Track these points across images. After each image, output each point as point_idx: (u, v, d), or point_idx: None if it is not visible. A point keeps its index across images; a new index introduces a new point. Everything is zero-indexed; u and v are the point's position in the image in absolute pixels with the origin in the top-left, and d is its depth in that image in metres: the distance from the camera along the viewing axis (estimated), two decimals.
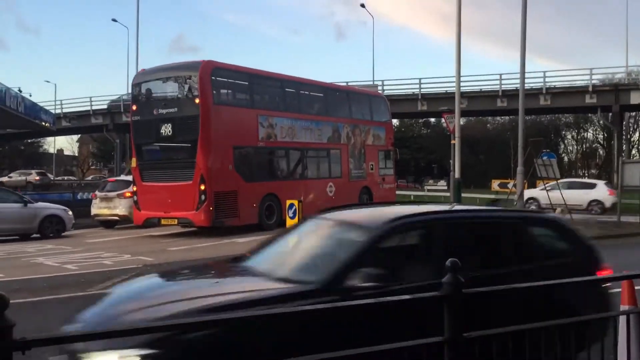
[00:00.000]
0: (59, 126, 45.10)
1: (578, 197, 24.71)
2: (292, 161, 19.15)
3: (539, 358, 3.12)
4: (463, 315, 2.78)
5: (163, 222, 16.85)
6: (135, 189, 17.28)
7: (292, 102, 19.65)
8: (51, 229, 17.69)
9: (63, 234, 17.92)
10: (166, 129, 16.58)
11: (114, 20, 46.52)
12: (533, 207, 25.33)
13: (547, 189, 21.81)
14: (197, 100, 15.93)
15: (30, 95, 30.56)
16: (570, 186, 25.79)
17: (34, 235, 17.63)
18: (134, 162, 17.51)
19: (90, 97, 53.15)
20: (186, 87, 16.80)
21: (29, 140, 74.37)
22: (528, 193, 25.21)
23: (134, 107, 17.58)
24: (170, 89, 17.34)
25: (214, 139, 16.05)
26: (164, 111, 16.66)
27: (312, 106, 20.72)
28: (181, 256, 12.62)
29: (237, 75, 18.01)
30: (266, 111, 18.23)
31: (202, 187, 15.71)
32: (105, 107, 52.37)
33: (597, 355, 3.35)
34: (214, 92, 16.52)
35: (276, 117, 18.38)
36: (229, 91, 18.20)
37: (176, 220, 16.55)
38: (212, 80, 16.40)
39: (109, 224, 20.25)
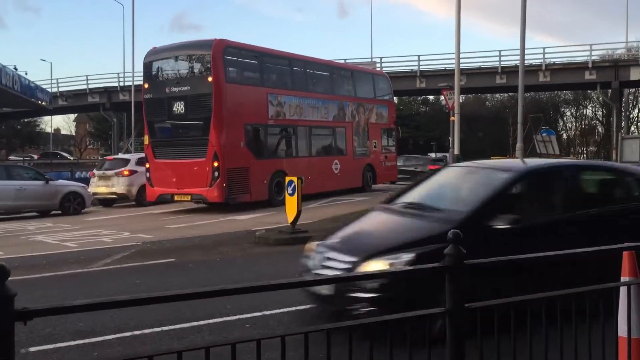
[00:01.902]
0: (55, 105, 44.88)
1: None
2: (300, 139, 19.32)
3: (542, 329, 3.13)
4: (465, 286, 2.78)
5: (176, 198, 16.98)
6: (148, 165, 17.41)
7: (300, 81, 19.83)
8: (72, 205, 17.97)
9: (83, 210, 18.29)
10: (179, 107, 16.70)
11: None
12: None
13: None
14: (210, 79, 16.03)
15: (26, 74, 30.24)
16: None
17: (55, 212, 17.94)
18: (146, 140, 17.66)
19: (87, 76, 52.88)
20: (199, 65, 16.90)
21: (26, 120, 74.00)
22: None
23: (146, 85, 17.67)
24: (183, 67, 17.39)
25: (226, 117, 16.19)
26: (177, 89, 16.78)
27: (318, 85, 20.88)
28: (180, 233, 12.66)
29: (248, 54, 18.11)
30: (276, 89, 18.41)
31: (216, 164, 15.87)
32: (101, 85, 52.06)
33: (598, 326, 3.36)
34: (227, 70, 16.58)
35: (285, 95, 18.56)
36: (241, 70, 18.24)
37: (189, 197, 16.68)
38: (225, 59, 16.47)
39: (107, 202, 20.29)
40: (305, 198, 15.64)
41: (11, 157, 47.17)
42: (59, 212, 17.84)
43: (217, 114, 16.01)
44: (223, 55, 16.39)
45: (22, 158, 46.84)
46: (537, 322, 3.06)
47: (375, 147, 22.78)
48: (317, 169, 19.45)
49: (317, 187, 18.76)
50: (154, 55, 17.72)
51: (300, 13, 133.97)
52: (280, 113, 18.35)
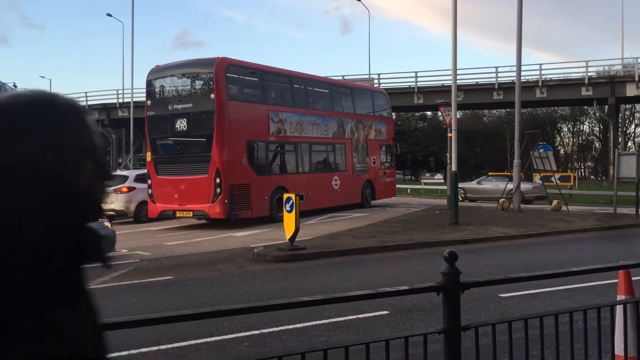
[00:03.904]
0: None
1: None
2: (301, 155, 19.50)
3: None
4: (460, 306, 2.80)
5: (178, 214, 17.07)
6: (150, 182, 17.49)
7: (301, 98, 20.07)
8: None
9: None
10: (181, 124, 16.86)
11: (108, 14, 46.08)
12: None
13: None
14: (212, 96, 16.22)
15: None
16: None
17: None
18: (148, 156, 17.81)
19: (86, 93, 53.18)
20: (201, 83, 17.08)
21: None
22: None
23: (149, 103, 17.86)
24: (185, 85, 17.57)
25: (228, 134, 16.33)
26: (179, 106, 16.97)
27: (318, 102, 21.15)
28: (178, 251, 12.64)
29: (249, 71, 18.36)
30: (276, 107, 18.61)
31: (218, 181, 15.98)
32: (100, 102, 52.23)
33: (595, 344, 3.37)
34: (229, 88, 16.78)
35: (286, 112, 18.77)
36: (242, 87, 18.47)
37: (191, 213, 16.76)
38: (227, 76, 16.70)
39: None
40: (304, 214, 15.70)
41: None
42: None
43: (219, 131, 16.12)
44: (225, 73, 16.58)
45: None
46: (534, 341, 3.07)
47: (374, 163, 22.95)
48: (317, 185, 19.58)
49: (317, 203, 18.93)
50: (156, 73, 17.90)
51: (300, 30, 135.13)
52: (281, 130, 18.50)
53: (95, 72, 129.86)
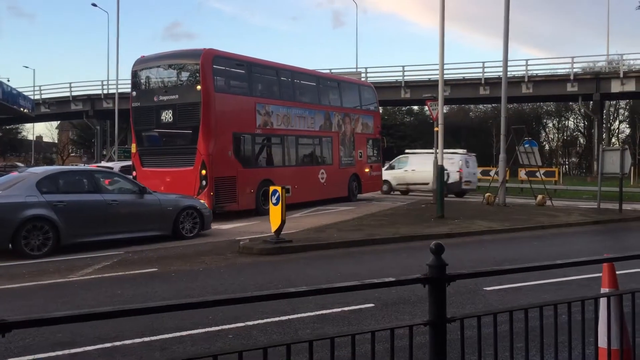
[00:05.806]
0: (38, 112, 44.45)
1: None
2: (287, 148, 19.44)
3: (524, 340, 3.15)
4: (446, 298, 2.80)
5: None
6: (135, 174, 17.33)
7: (287, 91, 19.97)
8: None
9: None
10: (167, 116, 16.75)
11: (93, 5, 45.49)
12: None
13: None
14: (198, 88, 16.11)
15: (9, 81, 29.97)
16: None
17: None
18: (133, 148, 17.70)
19: (70, 83, 52.56)
20: (187, 74, 16.94)
21: (7, 127, 73.19)
22: None
23: (134, 94, 17.71)
24: (171, 76, 17.41)
25: (214, 126, 16.25)
26: (165, 98, 16.84)
27: (305, 95, 21.05)
28: (162, 243, 12.54)
29: (236, 63, 18.20)
30: (263, 99, 18.52)
31: (203, 173, 15.92)
32: (85, 93, 51.65)
33: (578, 337, 3.39)
34: (215, 79, 16.65)
35: (272, 104, 18.68)
36: (229, 79, 18.31)
37: None
38: (213, 68, 16.56)
39: None
40: (290, 207, 15.67)
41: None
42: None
43: (205, 123, 16.03)
44: (212, 64, 16.45)
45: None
46: (519, 333, 3.08)
47: (360, 157, 22.97)
48: (304, 179, 19.56)
49: (303, 197, 18.92)
50: (142, 64, 17.71)
51: (292, 22, 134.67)
52: (268, 122, 18.43)
53: (81, 63, 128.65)
